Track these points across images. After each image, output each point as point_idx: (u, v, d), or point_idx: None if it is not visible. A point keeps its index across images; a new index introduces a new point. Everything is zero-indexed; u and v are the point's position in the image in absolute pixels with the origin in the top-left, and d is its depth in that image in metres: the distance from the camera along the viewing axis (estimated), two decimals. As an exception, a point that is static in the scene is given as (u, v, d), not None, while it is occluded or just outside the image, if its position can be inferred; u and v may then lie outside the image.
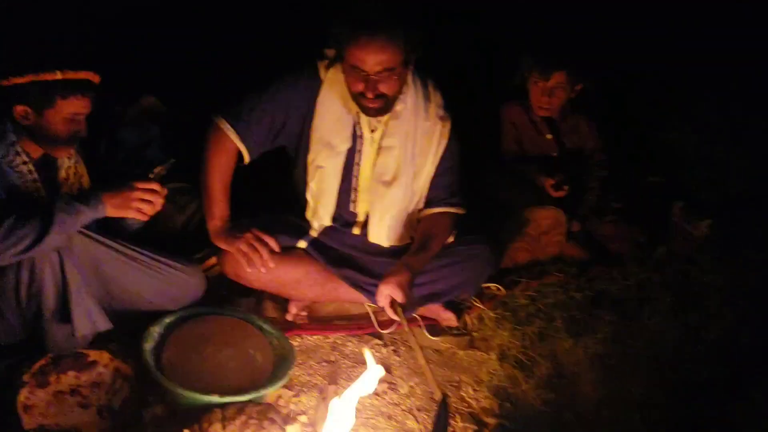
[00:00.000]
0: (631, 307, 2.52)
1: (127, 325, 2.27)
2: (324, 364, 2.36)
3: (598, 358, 2.35)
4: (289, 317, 2.52)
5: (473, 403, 2.24)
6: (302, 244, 2.49)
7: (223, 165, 2.40)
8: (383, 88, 2.21)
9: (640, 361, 2.31)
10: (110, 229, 2.25)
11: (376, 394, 2.23)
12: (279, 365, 2.23)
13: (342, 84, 2.32)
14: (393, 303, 2.23)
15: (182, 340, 2.21)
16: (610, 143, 3.08)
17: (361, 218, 2.52)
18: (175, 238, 2.68)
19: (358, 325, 2.52)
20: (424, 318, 2.55)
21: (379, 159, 2.41)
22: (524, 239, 2.80)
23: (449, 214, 2.49)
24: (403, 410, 2.19)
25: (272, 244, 2.37)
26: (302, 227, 2.52)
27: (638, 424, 2.13)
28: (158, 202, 2.13)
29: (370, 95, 2.21)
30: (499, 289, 2.64)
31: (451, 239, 2.51)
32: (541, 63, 2.88)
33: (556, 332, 2.44)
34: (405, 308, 2.23)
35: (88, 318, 2.09)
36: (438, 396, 2.02)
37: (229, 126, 2.37)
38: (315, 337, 2.46)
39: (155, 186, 2.12)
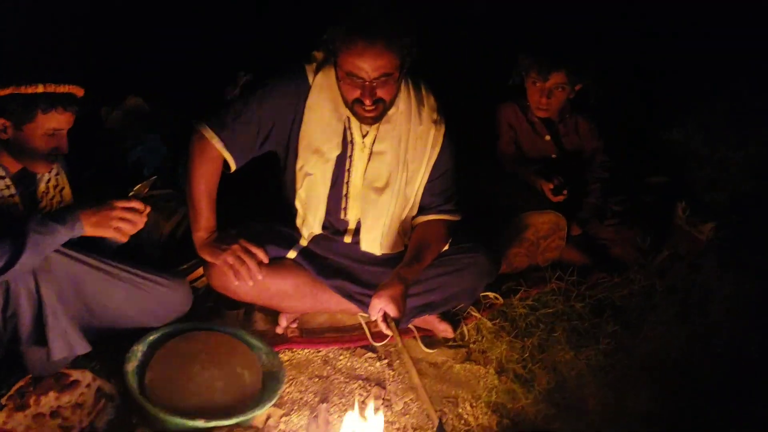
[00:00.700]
0: (633, 316, 2.45)
1: (110, 342, 2.21)
2: (316, 379, 2.27)
3: (600, 369, 2.28)
4: (279, 330, 2.43)
5: (471, 420, 2.17)
6: (292, 254, 2.40)
7: (207, 174, 2.31)
8: (381, 93, 2.13)
9: (643, 372, 2.24)
10: (91, 243, 2.16)
11: (369, 411, 2.16)
12: (268, 383, 2.15)
13: (331, 89, 2.23)
14: (386, 317, 2.14)
15: (167, 360, 2.12)
16: (610, 144, 2.98)
17: (352, 226, 2.43)
18: (160, 247, 2.60)
19: (350, 337, 2.44)
20: (419, 329, 2.47)
21: (370, 165, 2.32)
22: (523, 244, 2.72)
23: (444, 222, 2.41)
24: (397, 429, 2.11)
25: (260, 255, 2.29)
26: (291, 236, 2.43)
27: (642, 440, 2.07)
28: (140, 220, 2.04)
29: (368, 102, 2.12)
30: (497, 297, 2.56)
31: (446, 247, 2.41)
32: (539, 63, 2.78)
33: (556, 343, 2.37)
34: (398, 322, 2.15)
35: (65, 341, 2.01)
36: (434, 420, 1.94)
37: (213, 134, 2.28)
38: (306, 350, 2.38)
39: (135, 204, 2.03)
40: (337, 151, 2.29)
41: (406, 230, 2.44)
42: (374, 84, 2.10)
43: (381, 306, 2.13)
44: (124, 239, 2.04)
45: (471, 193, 2.82)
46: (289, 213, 2.44)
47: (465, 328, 2.47)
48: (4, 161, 2.03)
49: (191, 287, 2.38)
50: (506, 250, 2.69)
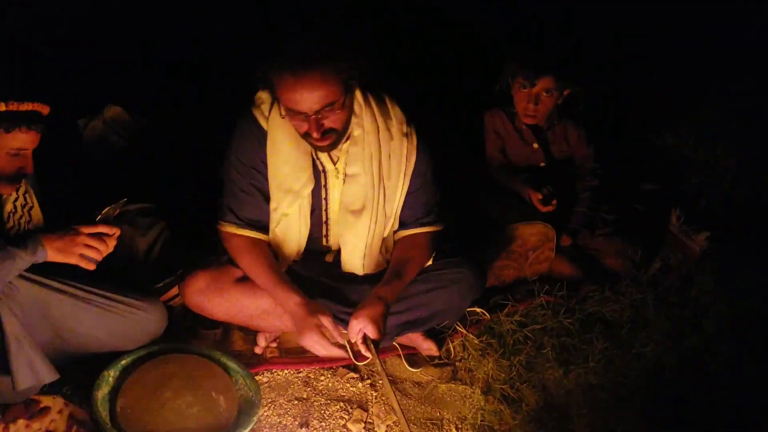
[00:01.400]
0: (624, 332, 2.36)
1: (83, 366, 2.14)
2: (295, 401, 2.20)
3: (589, 388, 2.20)
4: (258, 350, 2.36)
5: (456, 443, 2.10)
6: None
7: (258, 261, 2.23)
8: (329, 124, 2.04)
9: (634, 392, 2.17)
10: (61, 265, 2.08)
11: (351, 436, 2.09)
12: (245, 408, 2.08)
13: (288, 125, 2.14)
14: (365, 338, 2.07)
15: (139, 385, 2.06)
16: (601, 150, 2.90)
17: (334, 248, 2.37)
18: (137, 264, 2.52)
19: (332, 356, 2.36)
20: (403, 347, 2.39)
21: (345, 188, 2.25)
22: (511, 257, 2.64)
23: (426, 234, 2.32)
24: (379, 454, 2.04)
25: None
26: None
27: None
28: (107, 246, 1.97)
29: (316, 134, 2.03)
30: (484, 313, 2.48)
31: (429, 262, 2.34)
32: (526, 67, 2.69)
33: (545, 361, 2.30)
34: (378, 344, 2.07)
35: (30, 370, 1.95)
36: None
37: (229, 226, 2.25)
38: (286, 371, 2.31)
39: (103, 229, 1.95)
40: (309, 186, 2.22)
41: (389, 247, 2.36)
42: (318, 116, 2.00)
43: (360, 327, 2.07)
44: (90, 267, 1.96)
45: (456, 204, 2.76)
46: None
47: (451, 345, 2.40)
48: None
49: (167, 306, 2.31)
50: (493, 262, 2.62)
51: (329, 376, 2.31)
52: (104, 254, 1.98)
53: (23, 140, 1.93)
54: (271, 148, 2.18)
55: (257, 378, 2.22)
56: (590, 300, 2.54)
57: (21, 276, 1.95)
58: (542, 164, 2.87)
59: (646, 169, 3.21)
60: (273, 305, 2.29)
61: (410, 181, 2.27)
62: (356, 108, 2.16)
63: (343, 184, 2.24)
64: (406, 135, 2.24)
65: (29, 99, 1.92)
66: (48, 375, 1.97)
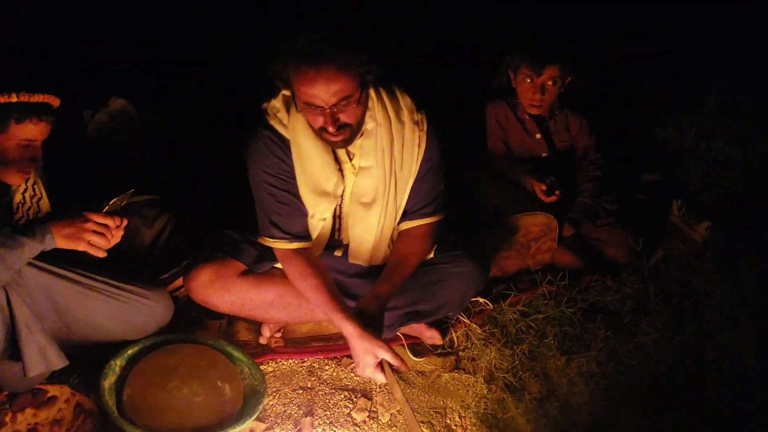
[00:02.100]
0: (626, 321, 2.38)
1: (90, 355, 2.16)
2: (300, 391, 2.23)
3: (591, 377, 2.22)
4: (262, 340, 2.39)
5: (459, 431, 2.11)
6: (280, 264, 2.33)
7: (305, 274, 2.17)
8: (344, 118, 2.02)
9: (635, 381, 2.18)
10: (69, 255, 2.10)
11: (355, 424, 2.12)
12: (250, 397, 2.10)
13: (309, 129, 2.12)
14: (382, 364, 2.00)
15: (145, 374, 2.07)
16: (602, 141, 2.91)
17: (346, 242, 2.37)
18: (142, 255, 2.54)
19: (336, 346, 2.39)
20: (406, 337, 2.41)
21: (356, 180, 2.23)
22: (513, 247, 2.65)
23: (429, 225, 2.30)
24: (383, 442, 2.06)
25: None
26: None
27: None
28: (115, 235, 1.98)
29: (331, 129, 2.02)
30: (487, 303, 2.50)
31: (431, 255, 2.35)
32: (532, 57, 2.70)
33: (547, 350, 2.32)
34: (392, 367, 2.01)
35: (41, 356, 1.97)
36: None
37: (274, 241, 2.20)
38: (290, 361, 2.33)
39: (110, 221, 1.97)
40: (341, 187, 2.20)
41: (394, 239, 2.36)
42: (335, 110, 1.99)
43: (375, 361, 1.97)
44: (100, 255, 1.98)
45: (459, 196, 2.78)
46: None
47: (454, 335, 2.42)
48: None
49: (173, 297, 2.33)
50: (496, 253, 2.63)
51: (333, 365, 2.33)
52: (112, 243, 2.00)
53: (34, 131, 1.95)
54: (296, 154, 2.15)
55: (262, 367, 2.24)
56: (592, 290, 2.56)
57: (29, 263, 1.97)
58: (544, 155, 2.88)
59: (647, 160, 3.21)
60: (277, 298, 2.31)
61: (419, 168, 2.26)
62: (369, 102, 2.15)
63: (356, 177, 2.22)
64: (417, 122, 2.22)
65: (40, 91, 1.95)
66: (58, 361, 1.99)
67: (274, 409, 2.16)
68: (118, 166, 3.04)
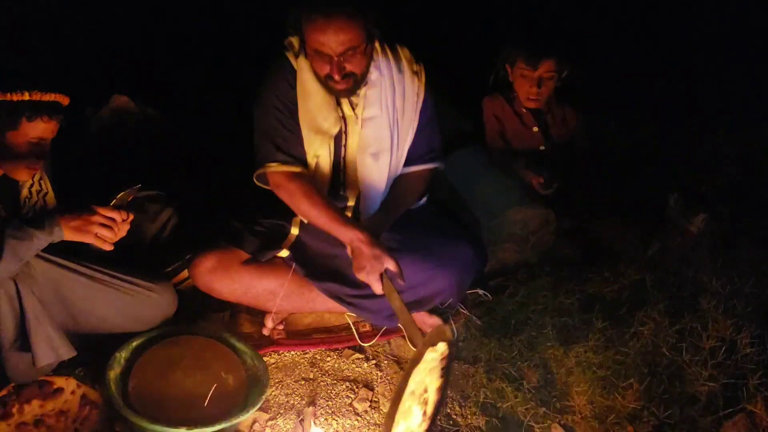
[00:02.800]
0: (623, 311, 2.41)
1: (95, 347, 2.19)
2: (302, 382, 2.26)
3: (589, 366, 2.24)
4: (265, 332, 2.42)
5: (460, 420, 2.15)
6: (284, 253, 2.37)
7: (307, 199, 2.24)
8: (350, 67, 2.16)
9: (633, 370, 2.20)
10: (75, 247, 2.13)
11: (357, 414, 2.15)
12: (253, 388, 2.13)
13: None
14: (382, 276, 2.09)
15: (150, 366, 2.11)
16: (599, 134, 2.94)
17: (351, 202, 2.44)
18: (146, 249, 2.57)
19: (338, 337, 2.42)
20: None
21: (363, 132, 2.33)
22: (512, 239, 2.68)
23: (428, 170, 2.44)
24: (385, 432, 2.08)
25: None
26: (280, 230, 2.41)
27: (632, 439, 2.04)
28: (122, 228, 2.02)
29: (337, 77, 2.15)
30: (486, 294, 2.53)
31: (423, 200, 2.48)
32: (528, 52, 2.72)
33: (545, 340, 2.33)
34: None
35: (50, 347, 2.01)
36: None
37: (273, 165, 2.27)
38: (293, 352, 2.36)
39: (116, 215, 2.00)
40: (337, 127, 2.30)
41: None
42: (341, 59, 2.12)
43: (381, 268, 2.08)
44: (107, 247, 2.01)
45: (458, 188, 2.81)
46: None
47: (454, 326, 2.44)
48: None
49: (176, 290, 2.36)
50: (495, 245, 2.66)
51: (335, 356, 2.36)
52: (119, 237, 2.03)
53: (44, 129, 1.99)
54: (300, 86, 2.27)
55: (265, 359, 2.26)
56: (590, 281, 2.58)
57: (37, 256, 2.00)
58: (542, 148, 2.91)
59: (644, 153, 3.23)
60: (279, 286, 2.34)
61: (419, 117, 2.38)
62: (374, 55, 2.27)
63: (361, 128, 2.32)
64: (416, 73, 2.36)
65: (52, 90, 1.98)
66: (66, 351, 2.03)
67: (277, 399, 2.19)
68: (121, 162, 3.07)
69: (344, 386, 2.24)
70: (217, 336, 2.25)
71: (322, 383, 2.25)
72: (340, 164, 2.38)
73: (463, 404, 2.20)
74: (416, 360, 2.00)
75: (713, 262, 2.55)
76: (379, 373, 2.30)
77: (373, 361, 2.35)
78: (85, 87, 3.14)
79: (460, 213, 2.70)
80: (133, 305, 2.19)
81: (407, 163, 2.42)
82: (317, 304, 2.40)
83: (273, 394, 2.20)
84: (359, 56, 2.14)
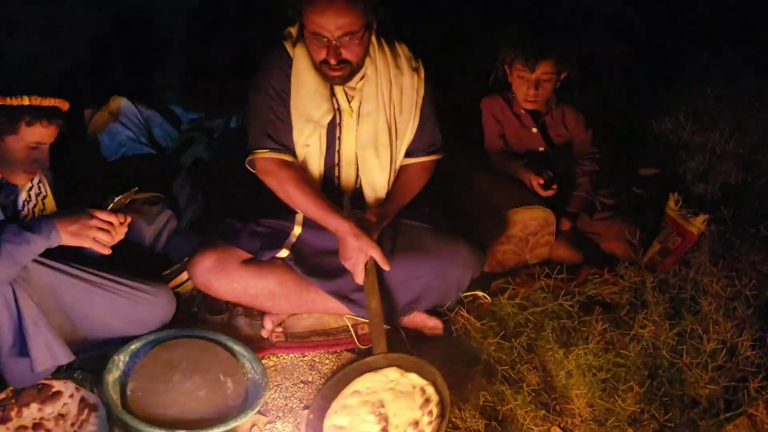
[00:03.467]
0: (623, 313, 2.40)
1: (94, 351, 2.19)
2: (301, 385, 2.26)
3: (589, 369, 2.23)
4: (264, 333, 2.41)
5: (459, 423, 2.14)
6: (284, 253, 2.37)
7: (292, 187, 2.30)
8: (346, 54, 2.18)
9: (633, 372, 2.19)
10: (72, 251, 2.13)
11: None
12: (252, 391, 2.13)
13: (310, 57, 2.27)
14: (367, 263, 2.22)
15: (148, 369, 2.11)
16: (599, 134, 2.93)
17: (346, 192, 2.46)
18: (144, 252, 2.57)
19: (336, 340, 2.42)
20: (407, 330, 2.43)
21: (361, 127, 2.36)
22: (511, 241, 2.67)
23: (430, 161, 2.49)
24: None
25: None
26: (281, 229, 2.40)
27: (631, 442, 2.03)
28: (119, 231, 2.01)
29: (333, 61, 2.17)
30: (485, 297, 2.52)
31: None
32: (525, 53, 2.71)
33: (545, 343, 2.32)
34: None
35: (48, 351, 2.01)
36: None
37: (261, 151, 2.31)
38: (291, 355, 2.35)
39: (114, 219, 1.99)
40: (329, 117, 2.31)
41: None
42: (338, 44, 2.13)
43: (366, 259, 2.21)
44: (105, 251, 2.01)
45: (458, 189, 2.80)
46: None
47: (453, 329, 2.44)
48: None
49: (174, 293, 2.36)
50: (494, 247, 2.65)
51: (333, 359, 2.36)
52: (116, 240, 2.03)
53: (43, 134, 1.99)
54: (294, 75, 2.29)
55: (263, 362, 2.27)
56: (590, 283, 2.56)
57: (34, 260, 2.00)
58: (541, 149, 2.89)
59: (643, 154, 3.22)
60: (278, 286, 2.34)
61: (420, 112, 2.41)
62: (370, 49, 2.29)
63: (358, 124, 2.35)
64: (415, 69, 2.39)
65: (51, 95, 1.98)
66: (64, 356, 2.03)
67: (276, 402, 2.18)
68: (118, 164, 3.07)
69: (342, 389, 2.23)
70: (216, 339, 2.25)
71: (320, 386, 2.24)
72: (334, 158, 2.40)
73: (462, 407, 2.18)
74: (371, 366, 2.15)
75: (714, 264, 2.53)
76: (378, 376, 2.29)
77: (372, 364, 2.34)
78: (84, 88, 3.16)
79: (459, 213, 2.69)
80: (131, 309, 2.19)
81: (410, 155, 2.45)
82: (316, 304, 2.40)
83: (272, 397, 2.19)
84: (356, 43, 2.16)
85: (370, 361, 2.18)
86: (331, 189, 2.43)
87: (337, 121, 2.35)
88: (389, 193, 2.44)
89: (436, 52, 2.66)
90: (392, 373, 2.14)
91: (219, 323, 2.43)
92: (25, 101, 1.94)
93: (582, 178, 2.84)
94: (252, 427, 2.08)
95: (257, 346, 2.34)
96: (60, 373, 2.11)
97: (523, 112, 2.86)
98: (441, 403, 2.04)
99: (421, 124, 2.43)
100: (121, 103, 3.20)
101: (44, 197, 2.19)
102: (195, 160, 3.02)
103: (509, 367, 2.26)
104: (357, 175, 2.44)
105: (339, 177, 2.43)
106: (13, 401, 2.03)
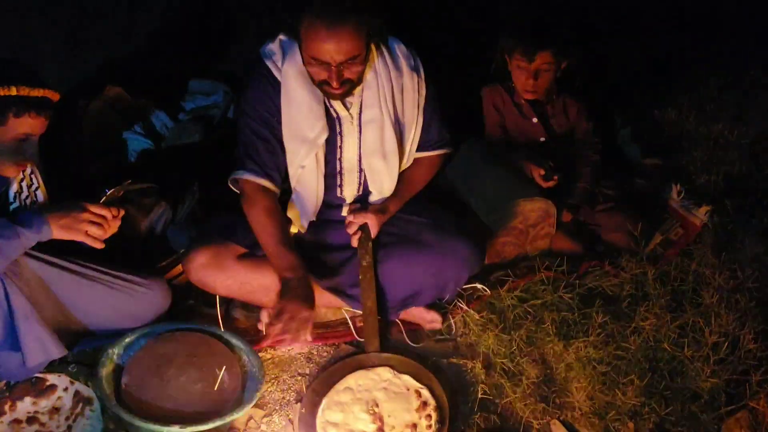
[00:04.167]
0: (624, 306, 2.38)
1: (88, 345, 2.18)
2: (298, 377, 2.23)
3: (589, 362, 2.21)
4: (261, 326, 2.38)
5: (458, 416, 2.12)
6: None
7: (263, 218, 2.24)
8: (348, 75, 2.13)
9: (634, 365, 2.18)
10: (65, 244, 2.10)
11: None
12: (248, 384, 2.11)
13: (302, 74, 2.20)
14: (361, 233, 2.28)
15: (143, 363, 2.08)
16: (600, 125, 2.89)
17: (349, 201, 2.43)
18: (139, 244, 2.54)
19: (334, 333, 2.39)
20: (405, 323, 2.41)
21: (365, 136, 2.32)
22: (512, 233, 2.64)
23: (438, 156, 2.50)
24: (381, 429, 2.06)
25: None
26: None
27: (632, 435, 2.01)
28: (113, 225, 1.98)
29: (335, 84, 2.12)
30: (484, 289, 2.49)
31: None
32: (523, 43, 2.67)
33: (545, 335, 2.31)
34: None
35: (40, 346, 1.99)
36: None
37: (242, 173, 2.27)
38: (289, 348, 2.32)
39: (106, 212, 1.97)
40: (324, 135, 2.27)
41: None
42: (340, 67, 2.09)
43: (365, 219, 2.30)
44: (97, 245, 1.98)
45: (457, 181, 2.77)
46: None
47: (452, 321, 2.42)
48: None
49: (170, 285, 2.34)
50: (494, 239, 2.62)
51: (331, 352, 2.33)
52: (109, 234, 2.00)
53: (32, 125, 1.95)
54: (285, 98, 2.24)
55: (260, 354, 2.24)
56: (590, 275, 2.54)
57: (25, 254, 1.97)
58: (542, 139, 2.86)
59: (646, 144, 3.19)
60: (275, 282, 2.31)
61: (424, 111, 2.38)
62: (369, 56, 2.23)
63: (360, 131, 2.31)
64: (415, 69, 2.34)
65: (40, 85, 1.94)
66: (57, 351, 2.01)
67: (273, 395, 2.16)
68: (113, 154, 3.05)
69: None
70: (212, 332, 2.23)
71: (317, 379, 2.23)
72: (336, 167, 2.36)
73: (461, 400, 2.17)
74: (363, 364, 2.16)
75: (716, 255, 2.51)
76: (376, 369, 2.27)
77: (370, 357, 2.32)
78: (78, 77, 3.13)
79: (458, 207, 2.67)
80: (125, 302, 2.17)
81: (418, 149, 2.45)
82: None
83: (268, 390, 2.17)
84: (358, 64, 2.12)
85: (362, 358, 2.18)
86: (333, 198, 2.40)
87: (337, 130, 2.30)
88: (396, 189, 2.43)
89: (438, 48, 2.63)
90: (385, 373, 2.15)
91: (215, 316, 2.40)
92: (13, 92, 1.89)
93: (583, 168, 2.81)
94: (249, 420, 2.06)
95: (254, 338, 2.32)
96: (54, 366, 2.09)
97: (523, 102, 2.83)
98: (439, 408, 2.04)
99: (425, 124, 2.40)
100: (117, 92, 3.18)
101: (36, 188, 2.16)
102: (191, 149, 2.98)
103: (509, 359, 2.24)
104: (360, 182, 2.41)
105: (341, 186, 2.39)
106: (8, 394, 2.02)
